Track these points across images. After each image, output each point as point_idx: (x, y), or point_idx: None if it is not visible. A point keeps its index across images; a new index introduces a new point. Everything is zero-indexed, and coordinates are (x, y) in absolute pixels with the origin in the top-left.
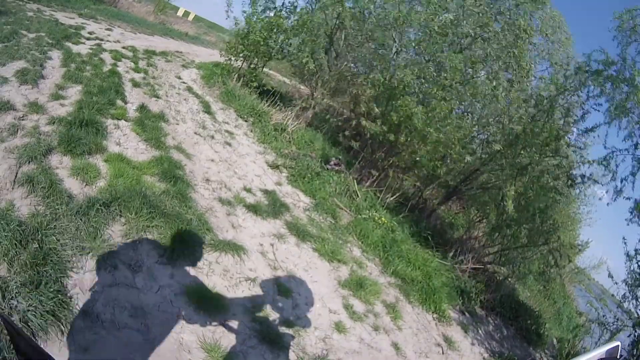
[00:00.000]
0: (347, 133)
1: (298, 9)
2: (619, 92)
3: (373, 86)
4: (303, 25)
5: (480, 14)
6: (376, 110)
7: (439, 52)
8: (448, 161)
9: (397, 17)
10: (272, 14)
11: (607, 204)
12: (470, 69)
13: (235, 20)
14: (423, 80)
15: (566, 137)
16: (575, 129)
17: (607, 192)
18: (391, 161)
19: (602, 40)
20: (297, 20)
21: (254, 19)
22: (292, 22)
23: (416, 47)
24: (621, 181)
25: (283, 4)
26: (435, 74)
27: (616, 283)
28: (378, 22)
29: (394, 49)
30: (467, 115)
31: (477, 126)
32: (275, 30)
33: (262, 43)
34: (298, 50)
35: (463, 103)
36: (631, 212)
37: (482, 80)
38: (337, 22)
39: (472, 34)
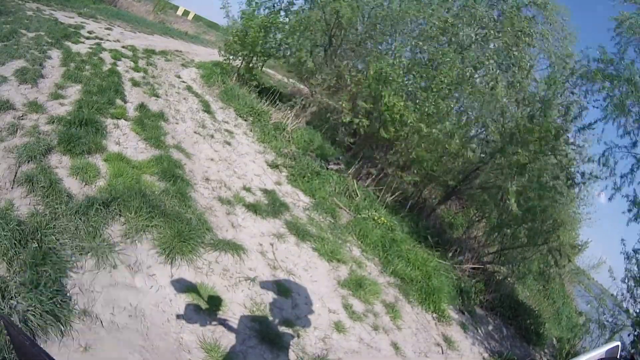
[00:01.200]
0: (343, 129)
1: (295, 7)
2: (618, 90)
3: (361, 82)
4: (300, 24)
5: (481, 17)
6: (363, 104)
7: (437, 51)
8: (445, 159)
9: (397, 13)
10: (268, 12)
11: (609, 199)
12: (470, 69)
13: (232, 20)
14: (413, 76)
15: (565, 135)
16: (573, 126)
17: (605, 188)
18: (389, 159)
19: (600, 37)
20: (295, 18)
21: (250, 17)
22: (290, 20)
23: (414, 46)
24: (620, 177)
25: (281, 2)
26: (432, 72)
27: (614, 279)
28: (376, 19)
29: (392, 46)
30: (465, 113)
31: (475, 125)
32: (272, 28)
33: (259, 42)
34: (296, 50)
35: (461, 101)
36: (629, 210)
37: (480, 80)
38: (336, 20)
39: (473, 36)
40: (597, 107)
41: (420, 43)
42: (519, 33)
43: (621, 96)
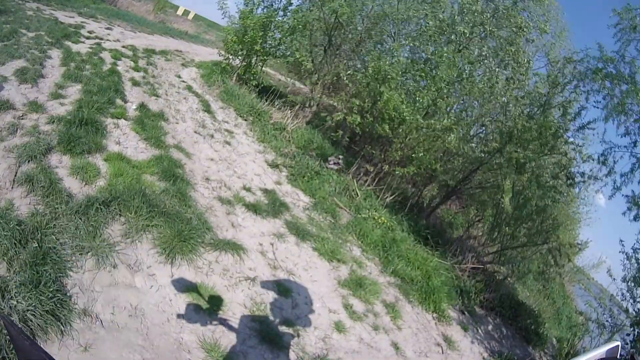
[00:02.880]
0: (331, 124)
1: (293, 7)
2: (618, 90)
3: (361, 81)
4: (299, 23)
5: (477, 13)
6: (357, 102)
7: (436, 50)
8: (445, 158)
9: (394, 14)
10: (266, 11)
11: (609, 197)
12: (467, 67)
13: (231, 20)
14: (412, 73)
15: (564, 135)
16: (572, 125)
17: (603, 186)
18: (385, 157)
19: (599, 34)
20: (293, 18)
21: (248, 16)
22: (289, 20)
23: (412, 45)
24: (621, 176)
25: (279, 0)
26: (429, 70)
27: (614, 279)
28: (374, 19)
29: (390, 46)
30: (464, 112)
31: (474, 124)
32: (270, 27)
33: (258, 41)
34: (295, 49)
35: (461, 100)
36: (629, 209)
37: (479, 78)
38: (335, 20)
39: (469, 33)
40: (597, 107)
41: (417, 43)
42: (517, 28)
43: (621, 95)
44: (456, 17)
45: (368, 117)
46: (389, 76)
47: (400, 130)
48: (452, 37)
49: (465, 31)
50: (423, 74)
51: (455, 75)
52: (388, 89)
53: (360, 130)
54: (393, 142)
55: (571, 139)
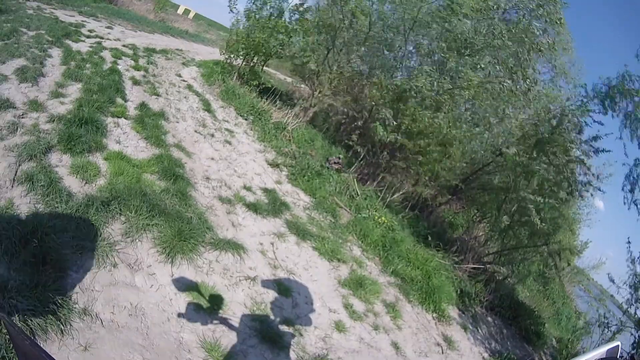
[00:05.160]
0: (353, 137)
1: (306, 5)
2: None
3: (379, 88)
4: (304, 25)
5: (494, 27)
6: (389, 117)
7: (454, 63)
8: (451, 162)
9: (410, 20)
10: (274, 12)
11: (629, 208)
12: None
13: (236, 18)
14: (436, 88)
15: (574, 150)
16: (584, 146)
17: (602, 194)
18: (396, 163)
19: (602, 45)
20: (300, 18)
21: (256, 17)
22: (295, 20)
23: (426, 54)
24: (631, 190)
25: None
26: (450, 84)
27: (618, 287)
28: (386, 24)
29: (402, 52)
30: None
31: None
32: (276, 29)
33: (263, 43)
34: (300, 50)
35: (469, 108)
36: None
37: (490, 87)
38: (343, 20)
39: (483, 43)
40: (602, 124)
41: (445, 53)
42: (531, 43)
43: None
44: (473, 28)
45: (396, 131)
46: (414, 93)
47: (429, 145)
48: (463, 50)
49: (478, 40)
50: (448, 89)
51: (474, 92)
52: (417, 105)
53: (377, 139)
54: (413, 154)
55: (581, 157)
